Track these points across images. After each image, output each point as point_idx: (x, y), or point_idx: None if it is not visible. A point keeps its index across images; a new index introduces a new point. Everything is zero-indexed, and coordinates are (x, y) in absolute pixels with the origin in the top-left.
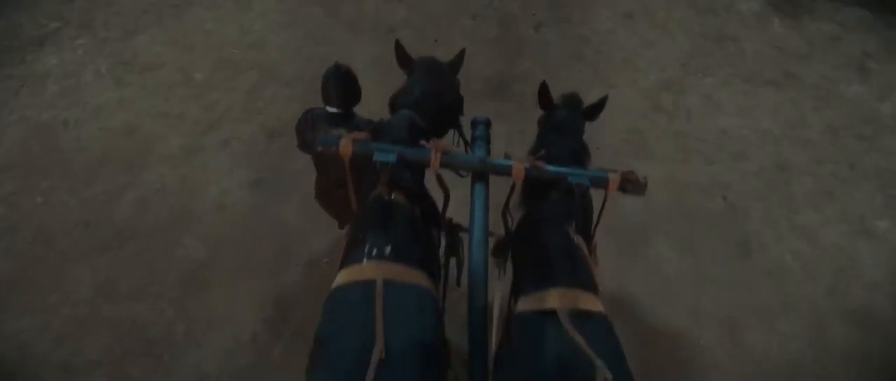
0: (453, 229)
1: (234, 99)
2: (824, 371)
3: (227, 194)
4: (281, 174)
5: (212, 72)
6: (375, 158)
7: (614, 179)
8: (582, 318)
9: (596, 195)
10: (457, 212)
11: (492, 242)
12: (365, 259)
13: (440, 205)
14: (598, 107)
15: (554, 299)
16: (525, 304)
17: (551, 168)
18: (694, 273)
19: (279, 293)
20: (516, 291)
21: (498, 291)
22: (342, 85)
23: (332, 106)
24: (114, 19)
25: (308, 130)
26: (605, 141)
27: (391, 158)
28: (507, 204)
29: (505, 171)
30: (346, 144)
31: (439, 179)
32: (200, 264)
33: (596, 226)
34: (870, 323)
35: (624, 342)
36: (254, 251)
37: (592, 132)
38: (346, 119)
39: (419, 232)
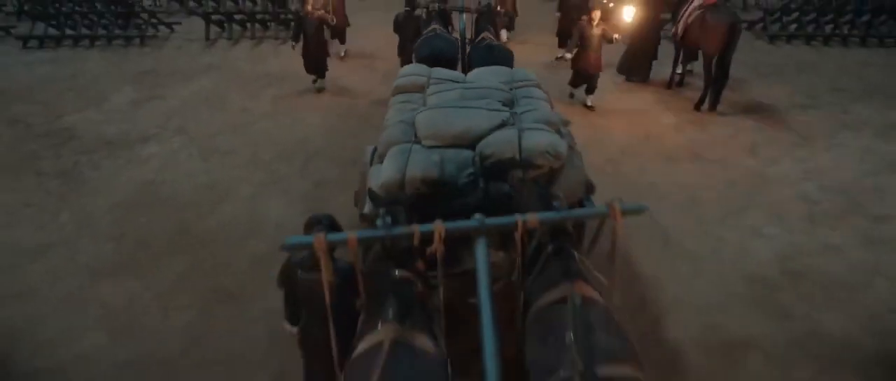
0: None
1: (290, 168)
2: (726, 305)
3: (283, 219)
4: (325, 207)
5: (274, 155)
6: None
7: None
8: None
9: None
10: None
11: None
12: None
13: None
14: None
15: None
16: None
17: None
18: (630, 258)
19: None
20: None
21: None
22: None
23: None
24: (201, 129)
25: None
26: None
27: None
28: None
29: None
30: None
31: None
32: (264, 256)
33: None
34: (761, 281)
35: None
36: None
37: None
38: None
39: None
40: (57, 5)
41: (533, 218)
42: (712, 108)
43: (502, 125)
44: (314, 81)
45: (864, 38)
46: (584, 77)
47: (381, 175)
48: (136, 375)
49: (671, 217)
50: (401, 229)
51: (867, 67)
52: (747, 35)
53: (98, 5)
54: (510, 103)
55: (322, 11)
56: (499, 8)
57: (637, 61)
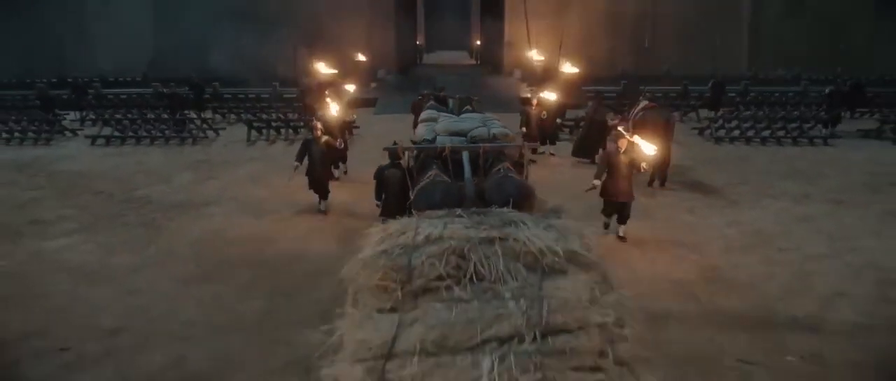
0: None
1: (326, 222)
2: (652, 295)
3: (323, 251)
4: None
5: (313, 214)
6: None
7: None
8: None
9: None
10: None
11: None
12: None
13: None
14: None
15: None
16: None
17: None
18: None
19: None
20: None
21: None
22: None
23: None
24: (251, 197)
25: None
26: None
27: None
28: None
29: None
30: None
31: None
32: (312, 272)
33: None
34: (681, 282)
35: None
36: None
37: None
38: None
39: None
40: (125, 112)
41: (486, 146)
42: (662, 184)
43: (480, 126)
44: (319, 202)
45: (796, 139)
46: (615, 206)
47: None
48: (227, 334)
49: (621, 251)
50: (434, 145)
51: (796, 160)
52: (697, 138)
53: (154, 114)
54: (483, 123)
55: (329, 137)
56: (523, 129)
57: (587, 145)
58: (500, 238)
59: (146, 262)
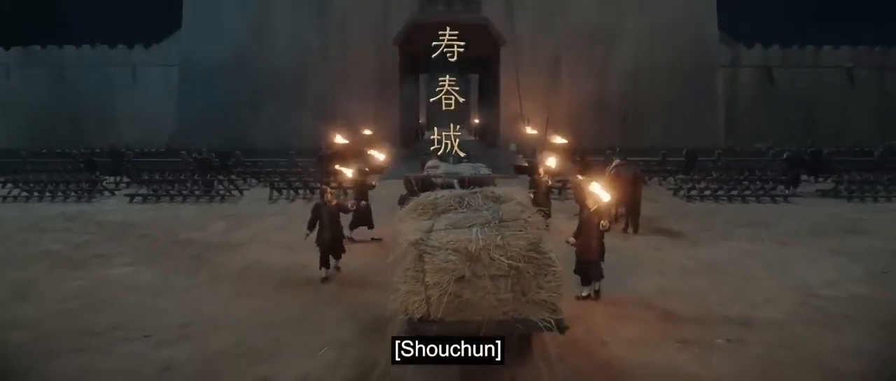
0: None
1: (346, 257)
2: (616, 303)
3: (348, 276)
4: (367, 275)
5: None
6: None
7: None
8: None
9: None
10: None
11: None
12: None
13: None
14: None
15: None
16: None
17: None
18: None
19: (368, 292)
20: None
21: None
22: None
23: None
24: (280, 241)
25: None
26: None
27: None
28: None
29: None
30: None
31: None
32: (338, 291)
33: None
34: (642, 296)
35: None
36: (363, 287)
37: None
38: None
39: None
40: (160, 172)
41: (470, 176)
42: (635, 230)
43: (471, 170)
44: (326, 268)
45: (759, 197)
46: (584, 266)
47: None
48: (274, 328)
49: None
50: (435, 173)
51: (756, 213)
52: (672, 197)
53: (185, 175)
54: (473, 169)
55: (339, 200)
56: (532, 195)
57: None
58: (480, 192)
59: (198, 283)
